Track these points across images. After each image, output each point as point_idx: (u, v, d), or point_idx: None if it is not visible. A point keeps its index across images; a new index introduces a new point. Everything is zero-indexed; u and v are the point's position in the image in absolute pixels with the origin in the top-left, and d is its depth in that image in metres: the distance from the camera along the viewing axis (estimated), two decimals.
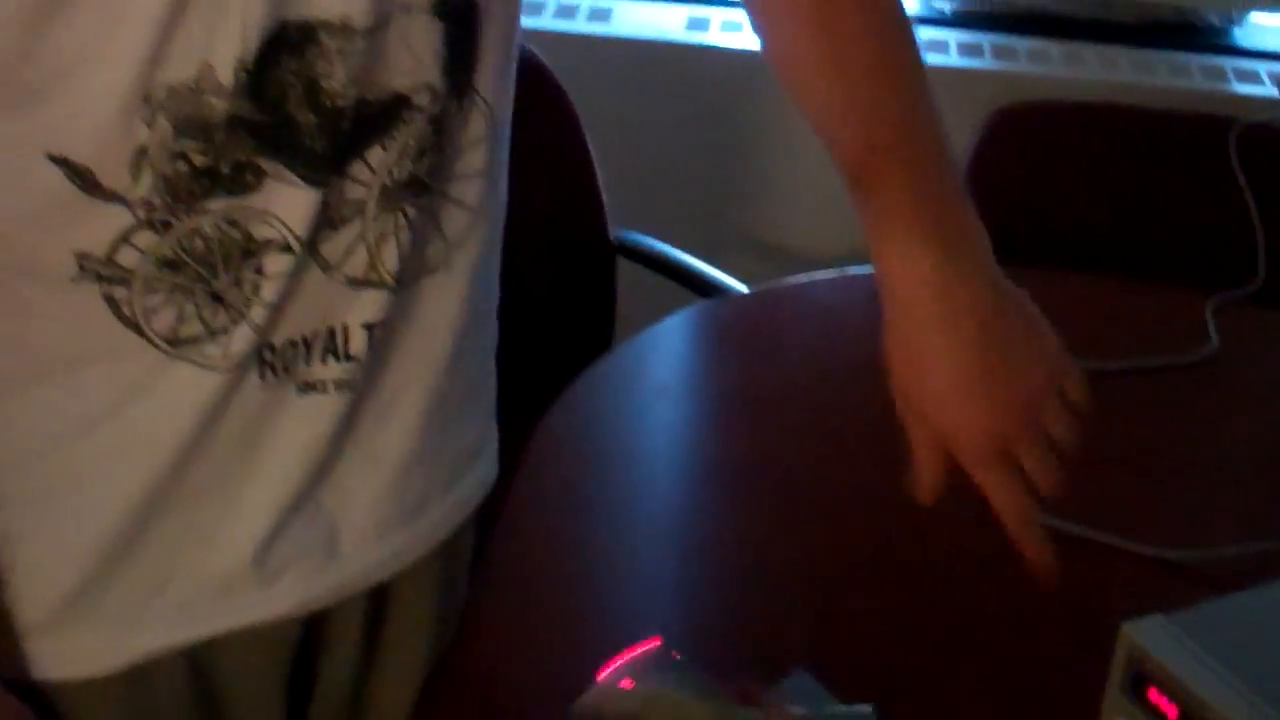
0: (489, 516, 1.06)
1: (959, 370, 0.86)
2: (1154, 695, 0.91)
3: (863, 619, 1.05)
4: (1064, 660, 1.02)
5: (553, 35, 2.17)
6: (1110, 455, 1.28)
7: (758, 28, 0.94)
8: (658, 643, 0.93)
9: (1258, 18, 2.37)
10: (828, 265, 1.58)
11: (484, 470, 1.00)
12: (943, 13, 2.35)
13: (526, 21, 2.15)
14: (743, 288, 1.67)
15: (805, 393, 1.35)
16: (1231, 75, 2.21)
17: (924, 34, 2.29)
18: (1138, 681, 0.92)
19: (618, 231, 1.76)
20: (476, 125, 0.84)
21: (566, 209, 1.73)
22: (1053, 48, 2.26)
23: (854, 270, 1.53)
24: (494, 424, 1.02)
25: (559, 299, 1.71)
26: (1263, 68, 2.23)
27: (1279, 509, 1.18)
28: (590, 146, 1.73)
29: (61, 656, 0.83)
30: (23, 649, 0.82)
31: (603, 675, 0.91)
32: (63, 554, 0.81)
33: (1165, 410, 1.37)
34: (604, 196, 1.74)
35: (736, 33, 2.21)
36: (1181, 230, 1.80)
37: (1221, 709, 0.87)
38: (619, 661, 0.91)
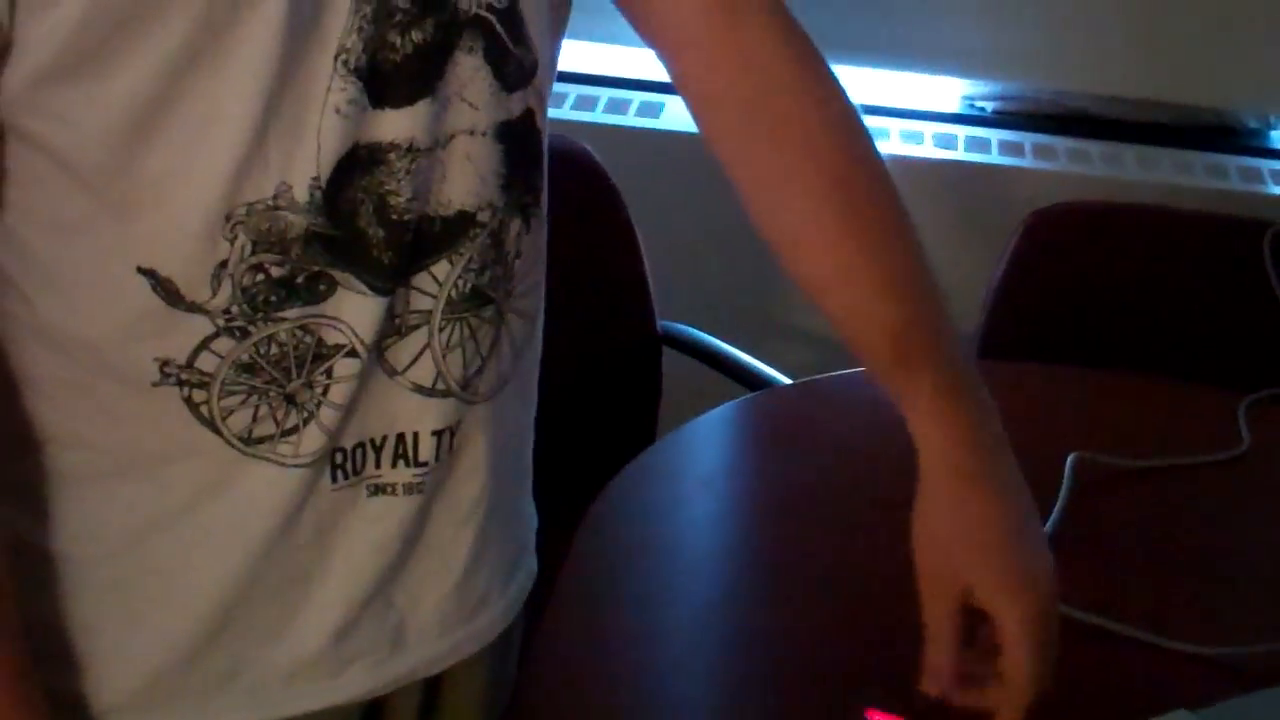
0: (533, 607, 1.10)
1: (1007, 524, 0.89)
2: None
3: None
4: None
5: (603, 128, 2.24)
6: (1143, 551, 1.32)
7: (754, 201, 0.94)
8: None
9: None
10: None
11: (529, 563, 1.04)
12: (984, 111, 2.41)
13: (577, 116, 2.24)
14: (786, 379, 1.72)
15: (849, 486, 1.38)
16: (1268, 177, 2.25)
17: (966, 131, 2.35)
18: None
19: (663, 322, 1.81)
20: (539, 239, 0.90)
21: (614, 300, 1.78)
22: (1092, 147, 2.31)
23: None
24: (535, 514, 1.06)
25: (605, 389, 1.75)
26: None
27: None
28: (639, 239, 1.78)
29: None
30: None
31: None
32: (142, 644, 0.86)
33: (1198, 507, 1.40)
34: (651, 288, 1.79)
35: None
36: (1215, 331, 1.84)
37: None
38: None
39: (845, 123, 0.93)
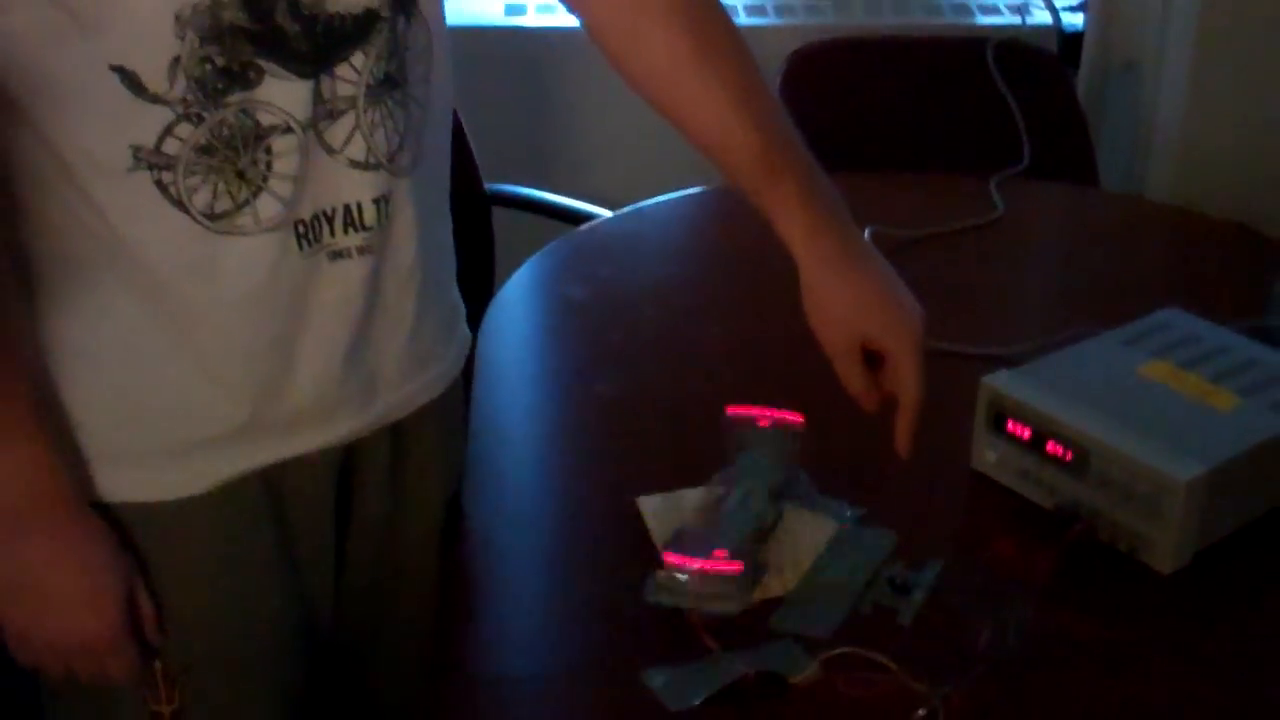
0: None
1: (879, 284, 1.14)
2: (1011, 425, 1.21)
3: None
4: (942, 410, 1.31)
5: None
6: (941, 295, 1.60)
7: (613, 40, 1.11)
8: None
9: None
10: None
11: (463, 331, 1.23)
12: None
13: None
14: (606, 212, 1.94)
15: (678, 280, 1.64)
16: (975, 9, 2.57)
17: None
18: (998, 419, 1.22)
19: (489, 184, 2.01)
20: (420, 35, 1.06)
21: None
22: (825, 2, 2.58)
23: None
24: (460, 302, 1.25)
25: None
26: (1000, 0, 2.60)
27: (1067, 316, 1.48)
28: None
29: (164, 482, 1.04)
30: (132, 477, 1.03)
31: None
32: (158, 400, 1.02)
33: (973, 260, 1.69)
34: (475, 153, 1.98)
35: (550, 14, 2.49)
36: (959, 130, 2.14)
37: (1059, 418, 1.17)
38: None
39: None
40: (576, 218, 1.96)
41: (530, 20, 2.51)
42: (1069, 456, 1.17)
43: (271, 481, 1.08)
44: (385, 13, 1.00)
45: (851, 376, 1.13)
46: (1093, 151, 2.18)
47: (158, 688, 1.07)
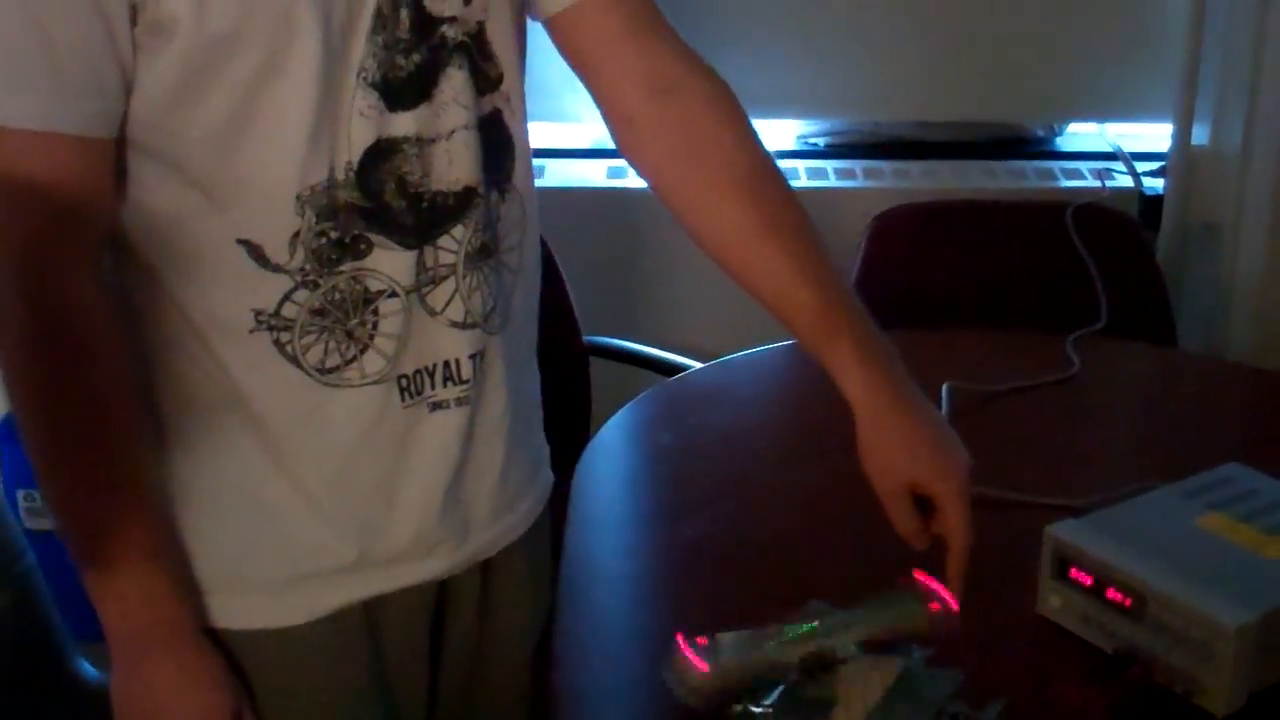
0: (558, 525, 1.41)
1: (929, 434, 1.20)
2: (1074, 572, 1.28)
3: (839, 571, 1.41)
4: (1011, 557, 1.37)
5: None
6: (1014, 447, 1.67)
7: (687, 216, 1.22)
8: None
9: (1075, 127, 2.86)
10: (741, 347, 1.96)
11: (546, 473, 1.34)
12: (818, 145, 2.79)
13: None
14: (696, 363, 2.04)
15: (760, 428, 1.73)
16: (1059, 174, 2.67)
17: (804, 164, 2.72)
18: (1061, 566, 1.29)
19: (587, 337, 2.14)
20: (513, 209, 1.18)
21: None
22: (913, 167, 2.70)
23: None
24: (545, 446, 1.35)
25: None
26: (1084, 166, 2.70)
27: (1135, 470, 1.54)
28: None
29: (277, 611, 1.14)
30: (244, 603, 1.13)
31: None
32: (273, 535, 1.13)
33: (1047, 415, 1.77)
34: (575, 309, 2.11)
35: None
36: (1039, 292, 2.22)
37: (1119, 566, 1.24)
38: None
39: (757, 156, 1.22)
40: (669, 369, 2.06)
41: (630, 182, 2.66)
42: (1128, 603, 1.23)
43: (371, 613, 1.18)
44: (482, 190, 1.12)
45: (901, 518, 1.20)
46: (1170, 312, 2.25)
47: None
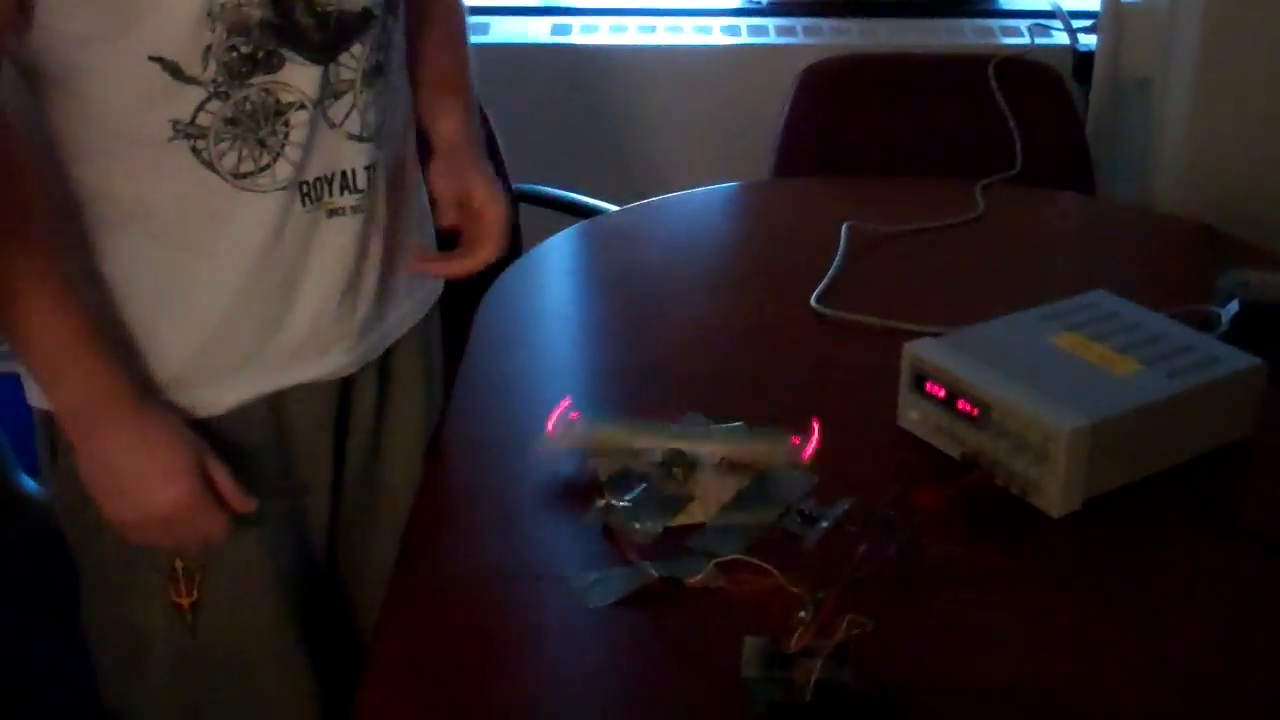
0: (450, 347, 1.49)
1: (491, 179, 1.38)
2: (929, 386, 1.35)
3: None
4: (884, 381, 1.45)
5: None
6: (905, 284, 1.74)
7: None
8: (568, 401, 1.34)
9: None
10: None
11: (434, 281, 1.42)
12: (760, 4, 2.82)
13: None
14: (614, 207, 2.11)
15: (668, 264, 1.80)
16: (998, 31, 2.70)
17: (748, 22, 2.76)
18: (918, 380, 1.36)
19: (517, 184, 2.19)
20: (399, 33, 1.27)
21: None
22: (852, 25, 2.74)
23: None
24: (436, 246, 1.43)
25: None
26: (1024, 24, 2.73)
27: (1016, 304, 1.60)
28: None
29: (188, 404, 1.22)
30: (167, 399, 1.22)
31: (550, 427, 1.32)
32: (183, 333, 1.21)
33: (946, 254, 1.83)
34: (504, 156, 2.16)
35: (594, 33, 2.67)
36: (960, 143, 2.27)
37: (968, 378, 1.31)
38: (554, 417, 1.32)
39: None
40: (596, 213, 2.12)
41: (575, 39, 2.69)
42: (975, 412, 1.30)
43: (277, 410, 1.27)
44: (378, 12, 1.20)
45: (447, 212, 1.36)
46: (1090, 164, 2.30)
47: (179, 581, 1.25)
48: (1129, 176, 2.61)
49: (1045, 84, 2.34)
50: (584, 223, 1.96)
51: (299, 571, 1.33)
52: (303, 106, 1.17)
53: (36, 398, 1.21)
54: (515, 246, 2.18)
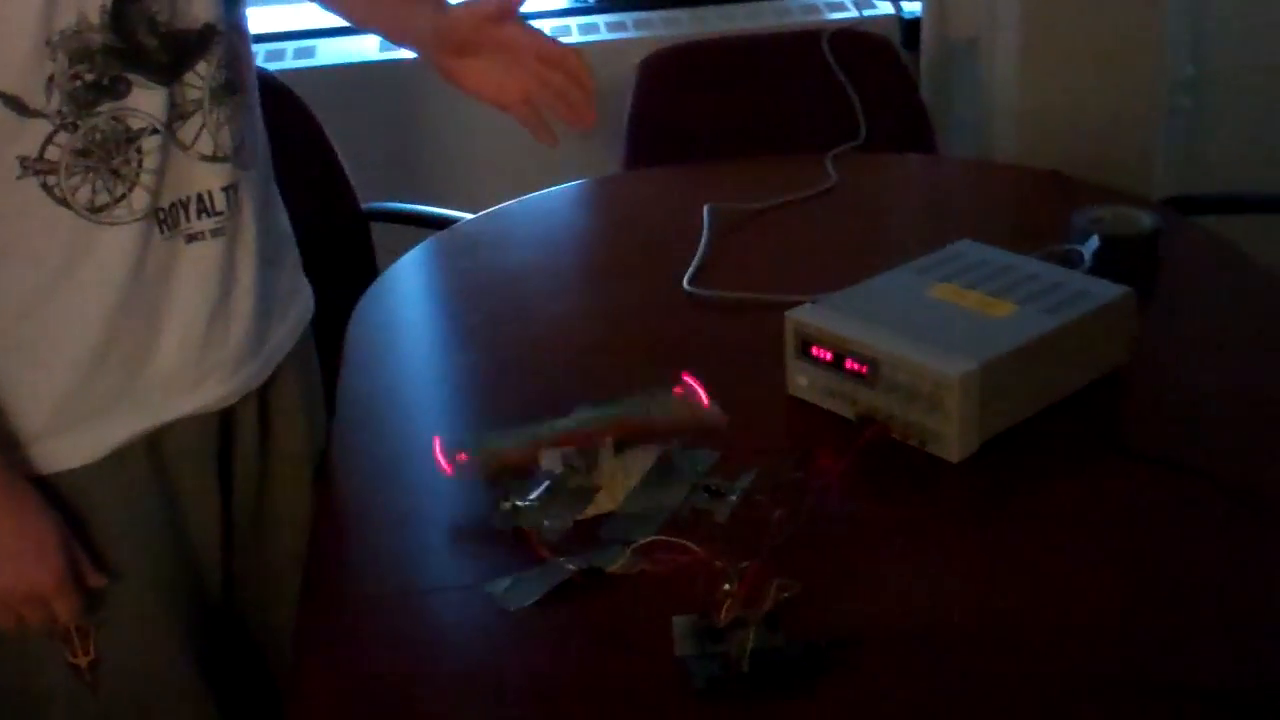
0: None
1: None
2: (815, 350, 1.35)
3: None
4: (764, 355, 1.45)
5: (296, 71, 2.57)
6: (774, 258, 1.75)
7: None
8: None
9: None
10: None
11: (305, 302, 1.39)
12: (588, 1, 2.82)
13: (270, 65, 2.56)
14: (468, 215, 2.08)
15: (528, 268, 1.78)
16: (823, 8, 2.73)
17: (578, 21, 2.75)
18: (804, 346, 1.36)
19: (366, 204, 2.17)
20: (245, 51, 1.23)
21: (324, 192, 2.12)
22: (681, 14, 2.75)
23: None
24: (303, 276, 1.40)
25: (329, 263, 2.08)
26: None
27: (885, 264, 1.62)
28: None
29: (61, 453, 1.17)
30: (31, 452, 1.16)
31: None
32: (48, 377, 1.16)
33: (806, 227, 1.85)
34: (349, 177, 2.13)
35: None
36: (802, 119, 2.30)
37: (853, 338, 1.32)
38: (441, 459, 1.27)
39: None
40: (447, 224, 2.09)
41: (400, 54, 2.65)
42: (864, 370, 1.31)
43: (155, 449, 1.23)
44: (221, 27, 1.17)
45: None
46: (930, 126, 2.34)
47: (73, 641, 1.20)
48: (964, 137, 2.67)
49: (878, 53, 2.38)
50: (441, 233, 1.93)
51: (197, 613, 1.28)
52: (155, 131, 1.13)
53: None
54: (370, 266, 2.16)
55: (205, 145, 1.18)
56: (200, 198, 1.18)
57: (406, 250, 1.93)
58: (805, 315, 1.37)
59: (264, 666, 1.39)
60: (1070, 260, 1.55)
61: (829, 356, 1.34)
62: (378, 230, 2.18)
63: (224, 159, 1.19)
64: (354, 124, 2.29)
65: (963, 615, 1.10)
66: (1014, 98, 2.49)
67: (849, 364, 1.32)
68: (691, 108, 2.32)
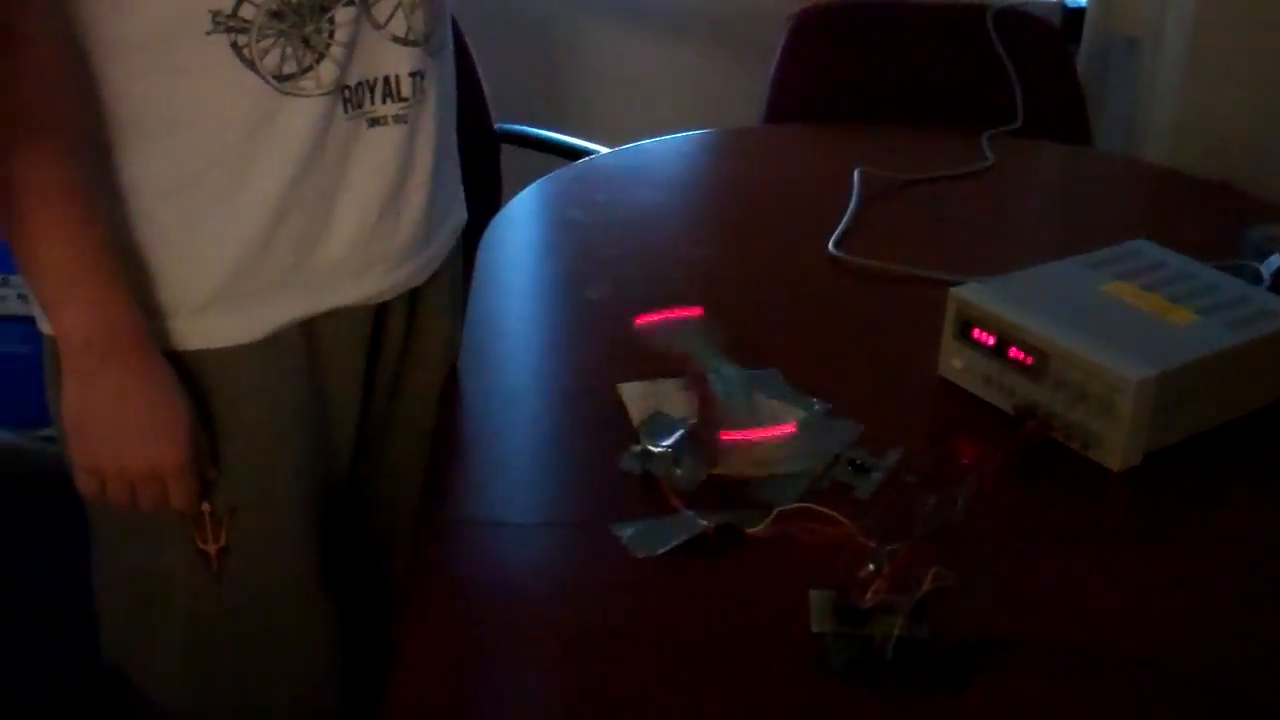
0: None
1: None
2: (976, 333, 1.27)
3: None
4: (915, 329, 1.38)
5: None
6: (926, 231, 1.67)
7: None
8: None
9: None
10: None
11: (461, 209, 1.33)
12: None
13: None
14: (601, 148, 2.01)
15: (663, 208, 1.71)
16: None
17: None
18: (964, 327, 1.28)
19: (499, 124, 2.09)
20: None
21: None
22: None
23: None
24: (460, 183, 1.33)
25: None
26: None
27: (1044, 252, 1.53)
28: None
29: (221, 329, 1.11)
30: (192, 326, 1.10)
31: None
32: (219, 251, 1.10)
33: (962, 203, 1.76)
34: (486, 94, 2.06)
35: None
36: (957, 92, 2.20)
37: (1022, 324, 1.24)
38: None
39: None
40: (579, 155, 2.03)
41: None
42: (1029, 361, 1.23)
43: (311, 337, 1.17)
44: None
45: None
46: (1088, 119, 2.24)
47: (206, 527, 1.14)
48: (1114, 135, 2.56)
49: (1041, 37, 2.27)
50: (574, 164, 1.86)
51: (325, 512, 1.22)
52: (350, 3, 1.07)
53: (47, 323, 1.09)
54: (496, 188, 2.09)
55: (398, 26, 1.11)
56: (387, 81, 1.12)
57: (527, 177, 1.88)
58: (971, 294, 1.29)
59: (376, 560, 1.34)
60: (1245, 276, 1.46)
61: (991, 341, 1.26)
62: (506, 153, 2.10)
63: (415, 43, 1.13)
64: (496, 40, 2.22)
65: (1116, 634, 1.01)
66: (1174, 102, 2.38)
67: (1013, 352, 1.24)
68: (840, 68, 2.23)
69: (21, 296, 2.20)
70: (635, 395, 1.24)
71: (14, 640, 1.42)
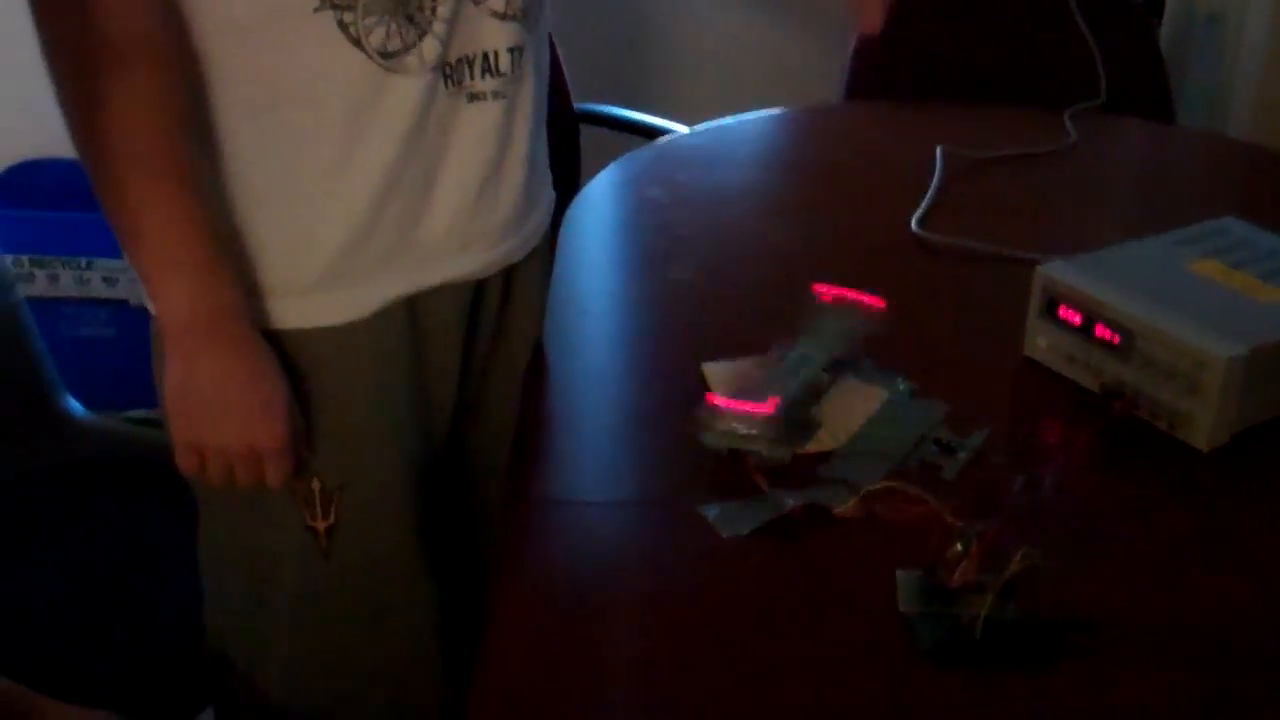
0: None
1: None
2: (1062, 311, 1.26)
3: None
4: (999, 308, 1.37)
5: None
6: (1009, 209, 1.66)
7: None
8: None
9: None
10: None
11: (550, 189, 1.34)
12: None
13: None
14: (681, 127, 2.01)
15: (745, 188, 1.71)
16: None
17: None
18: (1050, 305, 1.27)
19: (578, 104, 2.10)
20: None
21: None
22: None
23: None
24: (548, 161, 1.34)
25: None
26: None
27: (1129, 230, 1.52)
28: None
29: (329, 308, 1.13)
30: (300, 306, 1.12)
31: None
32: (327, 230, 1.11)
33: (1045, 181, 1.75)
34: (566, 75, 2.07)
35: None
36: (1039, 69, 2.18)
37: (1109, 302, 1.23)
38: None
39: None
40: (659, 135, 2.03)
41: None
42: (1116, 339, 1.22)
43: (414, 314, 1.19)
44: None
45: None
46: (1171, 96, 2.21)
47: (315, 504, 1.17)
48: (1194, 114, 2.53)
49: (1125, 14, 2.24)
50: (654, 143, 1.86)
51: (427, 483, 1.24)
52: None
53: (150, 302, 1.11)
54: (576, 168, 2.10)
55: (497, 1, 1.12)
56: (486, 56, 1.13)
57: (607, 157, 1.88)
58: (1057, 272, 1.28)
59: (472, 543, 1.36)
60: None
61: (1078, 320, 1.25)
62: (585, 133, 2.11)
63: (514, 18, 1.14)
64: (575, 18, 2.22)
65: (1203, 616, 1.01)
66: (1257, 79, 2.35)
67: (1099, 330, 1.23)
68: (920, 45, 2.21)
69: (106, 279, 2.25)
70: (719, 374, 1.24)
71: (102, 620, 1.46)
